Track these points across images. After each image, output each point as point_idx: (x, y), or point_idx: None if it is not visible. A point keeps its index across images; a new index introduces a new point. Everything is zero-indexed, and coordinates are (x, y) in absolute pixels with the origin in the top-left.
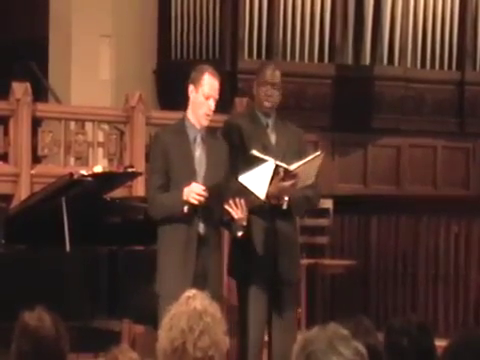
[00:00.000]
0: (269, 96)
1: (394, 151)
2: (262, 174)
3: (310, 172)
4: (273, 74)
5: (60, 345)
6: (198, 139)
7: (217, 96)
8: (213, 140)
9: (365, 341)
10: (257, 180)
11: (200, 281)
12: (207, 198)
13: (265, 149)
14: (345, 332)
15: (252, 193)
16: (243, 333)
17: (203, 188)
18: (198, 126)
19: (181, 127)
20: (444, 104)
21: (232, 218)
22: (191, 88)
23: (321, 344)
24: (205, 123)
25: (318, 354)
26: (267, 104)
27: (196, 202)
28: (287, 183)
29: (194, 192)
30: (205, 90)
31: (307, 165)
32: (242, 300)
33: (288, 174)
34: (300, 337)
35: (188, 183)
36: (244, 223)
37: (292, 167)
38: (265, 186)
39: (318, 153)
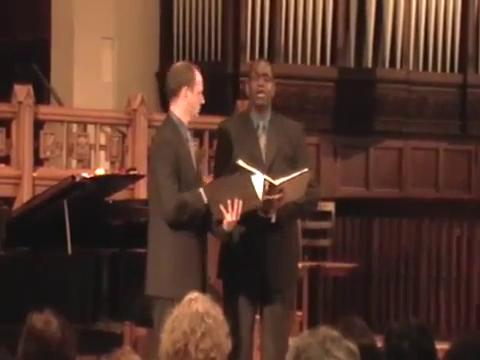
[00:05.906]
0: (261, 86)
1: (396, 154)
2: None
3: (298, 187)
4: (264, 66)
5: (65, 349)
6: (189, 136)
7: None
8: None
9: (359, 342)
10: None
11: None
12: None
13: (252, 157)
14: (335, 333)
15: (252, 187)
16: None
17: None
18: (186, 123)
19: (175, 127)
20: (446, 107)
21: (221, 220)
22: (184, 89)
23: (314, 351)
24: (197, 115)
25: None
26: (261, 95)
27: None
28: (273, 197)
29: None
30: (200, 85)
31: (294, 181)
32: (227, 302)
33: (273, 188)
34: (292, 346)
35: (195, 182)
36: (231, 229)
37: (277, 182)
38: (260, 189)
39: (305, 170)
